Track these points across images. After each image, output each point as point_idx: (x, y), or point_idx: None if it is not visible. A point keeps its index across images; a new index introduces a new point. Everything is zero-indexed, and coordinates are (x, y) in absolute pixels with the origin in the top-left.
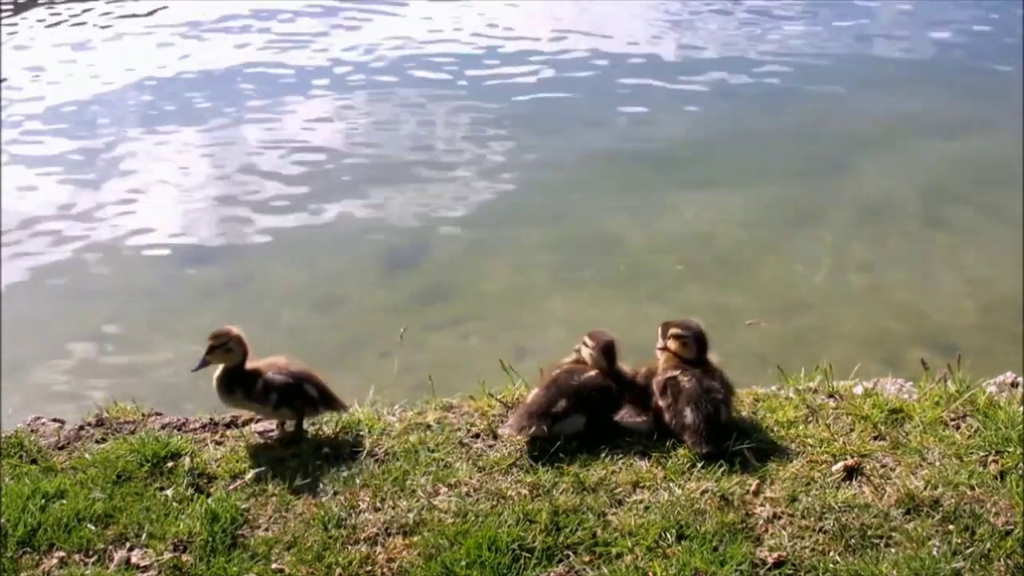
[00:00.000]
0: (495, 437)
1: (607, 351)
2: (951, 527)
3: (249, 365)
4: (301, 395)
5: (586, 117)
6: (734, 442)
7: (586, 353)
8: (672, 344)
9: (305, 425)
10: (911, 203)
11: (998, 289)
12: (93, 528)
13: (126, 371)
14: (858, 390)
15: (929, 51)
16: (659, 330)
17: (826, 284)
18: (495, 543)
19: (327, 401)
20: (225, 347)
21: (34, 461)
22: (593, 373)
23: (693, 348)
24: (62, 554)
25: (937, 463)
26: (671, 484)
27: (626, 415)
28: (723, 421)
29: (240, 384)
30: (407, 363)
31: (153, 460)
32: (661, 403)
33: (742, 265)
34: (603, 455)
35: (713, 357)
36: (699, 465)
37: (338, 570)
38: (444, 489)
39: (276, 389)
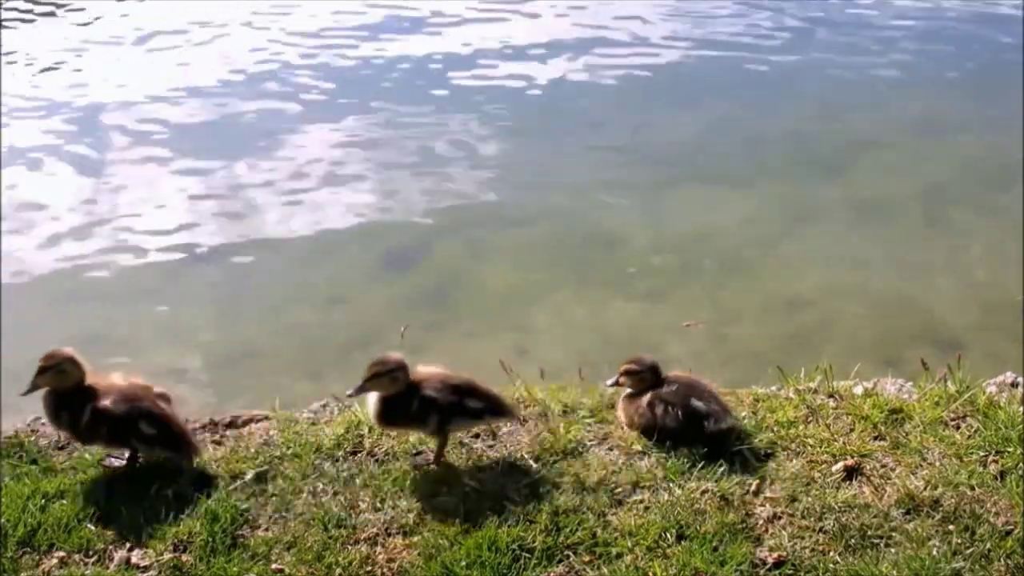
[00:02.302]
0: (495, 437)
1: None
2: (951, 527)
3: (91, 381)
4: (135, 432)
5: (587, 117)
6: (734, 442)
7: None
8: (624, 380)
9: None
10: (911, 203)
11: (998, 289)
12: (93, 528)
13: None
14: (858, 390)
15: (929, 51)
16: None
17: (826, 284)
18: (495, 543)
19: (166, 442)
20: (58, 368)
21: (34, 461)
22: None
23: (649, 380)
24: (62, 554)
25: (937, 463)
26: (671, 484)
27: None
28: (711, 428)
29: (67, 408)
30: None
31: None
32: (649, 411)
33: (742, 264)
34: (603, 455)
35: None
36: (699, 465)
37: (338, 570)
38: (444, 489)
39: (107, 422)
